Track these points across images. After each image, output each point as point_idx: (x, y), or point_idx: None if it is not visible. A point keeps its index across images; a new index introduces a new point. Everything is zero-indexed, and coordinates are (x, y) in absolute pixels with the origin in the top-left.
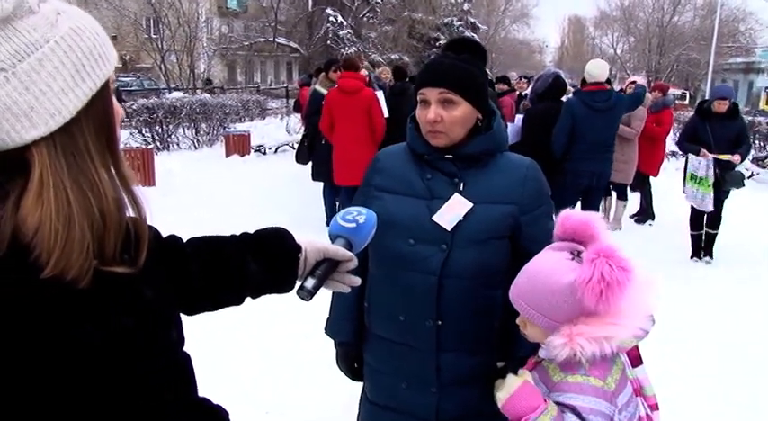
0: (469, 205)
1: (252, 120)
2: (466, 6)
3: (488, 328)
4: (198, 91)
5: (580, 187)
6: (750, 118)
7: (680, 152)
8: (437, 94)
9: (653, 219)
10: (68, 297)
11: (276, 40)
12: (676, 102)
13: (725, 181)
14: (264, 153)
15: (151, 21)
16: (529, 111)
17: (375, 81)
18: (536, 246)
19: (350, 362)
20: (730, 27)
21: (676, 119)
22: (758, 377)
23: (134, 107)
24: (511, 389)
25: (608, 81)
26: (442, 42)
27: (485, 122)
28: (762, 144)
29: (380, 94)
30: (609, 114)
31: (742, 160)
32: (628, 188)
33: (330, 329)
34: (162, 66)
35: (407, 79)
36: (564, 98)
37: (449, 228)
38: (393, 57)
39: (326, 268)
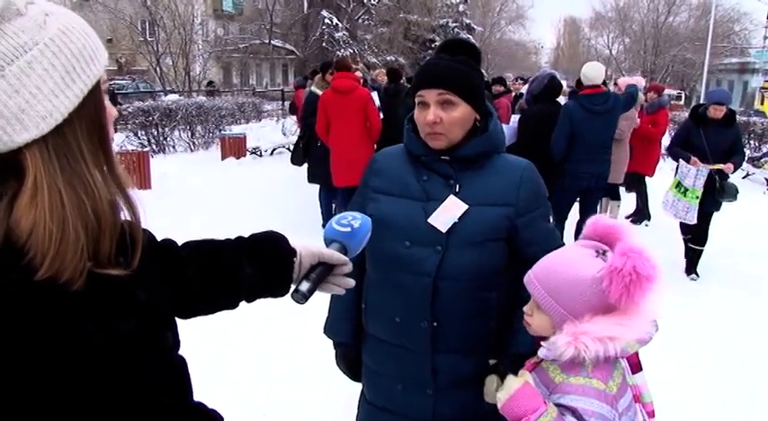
0: (465, 207)
1: (248, 123)
2: (461, 8)
3: (484, 330)
4: (194, 93)
5: (579, 189)
6: (745, 118)
7: None
8: (436, 95)
9: (649, 220)
10: (66, 298)
11: (272, 42)
12: (672, 102)
13: (723, 191)
14: (260, 155)
15: (146, 23)
16: (525, 112)
17: (371, 83)
18: (532, 248)
19: (349, 363)
20: (725, 27)
21: (672, 119)
22: (756, 381)
23: (130, 110)
24: (511, 390)
25: (604, 83)
26: (437, 44)
27: (482, 124)
28: (756, 144)
29: (374, 96)
30: (607, 116)
31: (734, 170)
32: (620, 188)
33: (329, 330)
34: (157, 68)
35: (403, 81)
36: (560, 99)
37: (444, 230)
38: (389, 58)
39: (321, 272)
